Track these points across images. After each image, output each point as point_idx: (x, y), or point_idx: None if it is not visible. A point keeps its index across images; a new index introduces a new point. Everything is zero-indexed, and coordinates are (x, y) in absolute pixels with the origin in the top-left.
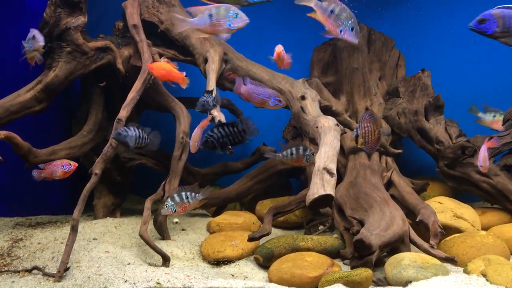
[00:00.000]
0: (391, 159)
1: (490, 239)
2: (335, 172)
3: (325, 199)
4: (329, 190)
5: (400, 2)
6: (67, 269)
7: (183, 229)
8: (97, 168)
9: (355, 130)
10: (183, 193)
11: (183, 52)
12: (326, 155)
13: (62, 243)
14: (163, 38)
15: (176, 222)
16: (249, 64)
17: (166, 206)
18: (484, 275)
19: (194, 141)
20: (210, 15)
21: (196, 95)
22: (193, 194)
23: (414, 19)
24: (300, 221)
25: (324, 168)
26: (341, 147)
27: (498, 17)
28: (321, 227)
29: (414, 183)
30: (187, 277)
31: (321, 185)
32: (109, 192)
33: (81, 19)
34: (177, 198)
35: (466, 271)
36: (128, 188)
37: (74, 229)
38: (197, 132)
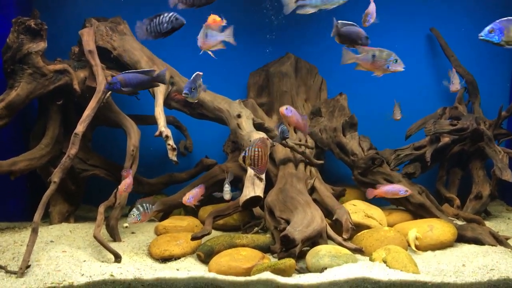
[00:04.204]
0: (315, 169)
1: (392, 233)
2: (263, 177)
3: (255, 200)
4: (259, 192)
5: (323, 36)
6: (28, 266)
7: (132, 232)
8: (55, 177)
9: (244, 151)
10: (144, 204)
11: None
12: None
13: (21, 245)
14: (116, 62)
15: (126, 227)
16: None
17: (133, 215)
18: (385, 262)
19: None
20: (373, 56)
21: (145, 113)
22: (151, 205)
23: (334, 50)
24: (238, 224)
25: (255, 174)
26: (273, 159)
27: (505, 27)
28: (255, 228)
29: (334, 189)
30: (137, 270)
31: (252, 189)
32: (64, 200)
33: (42, 45)
34: (141, 208)
35: (371, 259)
36: (82, 196)
37: (34, 231)
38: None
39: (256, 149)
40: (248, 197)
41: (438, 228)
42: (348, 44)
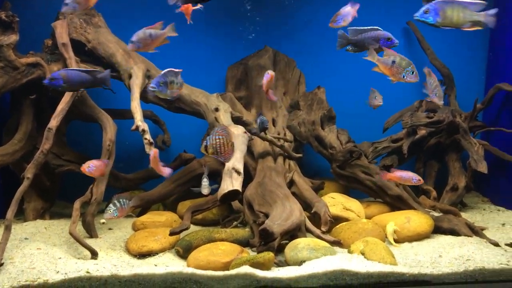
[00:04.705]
0: (294, 162)
1: (370, 225)
2: (242, 171)
3: (234, 194)
4: (237, 186)
5: (302, 28)
6: (1, 264)
7: (109, 228)
8: (29, 173)
9: (205, 141)
10: (121, 200)
11: (109, 68)
12: (235, 157)
13: None
14: (91, 55)
15: (103, 223)
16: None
17: (109, 211)
18: (363, 254)
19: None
20: (394, 61)
21: (121, 107)
22: (128, 201)
23: (313, 44)
24: (217, 218)
25: (233, 168)
26: (252, 153)
27: (441, 8)
28: (235, 222)
29: (313, 182)
30: (114, 267)
31: (230, 182)
32: (38, 197)
33: (13, 37)
34: (117, 204)
35: (349, 251)
36: (57, 193)
37: (8, 228)
38: None
39: (218, 137)
40: (226, 191)
41: (415, 219)
42: (369, 52)
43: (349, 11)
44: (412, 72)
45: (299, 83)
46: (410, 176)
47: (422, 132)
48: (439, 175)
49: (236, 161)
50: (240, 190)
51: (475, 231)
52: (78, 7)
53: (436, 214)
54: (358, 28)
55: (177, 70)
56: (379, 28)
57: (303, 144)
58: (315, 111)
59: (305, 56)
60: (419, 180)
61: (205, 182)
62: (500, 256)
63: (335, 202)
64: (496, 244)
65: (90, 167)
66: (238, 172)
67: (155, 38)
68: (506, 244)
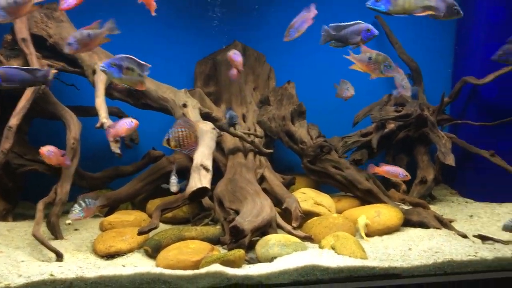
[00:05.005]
0: (264, 158)
1: (340, 220)
2: (210, 168)
3: (202, 191)
4: (205, 183)
5: (272, 23)
6: None
7: (76, 229)
8: None
9: (167, 134)
10: (87, 200)
11: (72, 64)
12: (203, 154)
13: None
14: (53, 51)
15: (69, 224)
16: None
17: (75, 211)
18: (334, 248)
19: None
20: (370, 58)
21: (85, 104)
22: (94, 201)
23: (282, 38)
24: (187, 216)
25: (201, 165)
26: (222, 149)
27: None
28: (205, 220)
29: (284, 178)
30: (80, 269)
31: (198, 179)
32: (0, 198)
33: None
34: (83, 204)
35: (320, 246)
36: (20, 193)
37: None
38: None
39: (180, 129)
40: (194, 188)
41: (385, 213)
42: (354, 46)
43: (304, 20)
44: (390, 66)
45: (269, 78)
46: (397, 171)
47: (391, 126)
48: (408, 169)
49: (205, 158)
50: (209, 187)
51: (444, 224)
52: (7, 16)
53: (405, 207)
54: (340, 24)
55: (144, 63)
56: (361, 22)
57: (273, 140)
58: (285, 106)
59: (275, 50)
60: (406, 175)
61: (173, 179)
62: (468, 248)
63: (306, 197)
64: (464, 236)
65: (50, 151)
66: (207, 169)
67: (94, 38)
68: (474, 236)
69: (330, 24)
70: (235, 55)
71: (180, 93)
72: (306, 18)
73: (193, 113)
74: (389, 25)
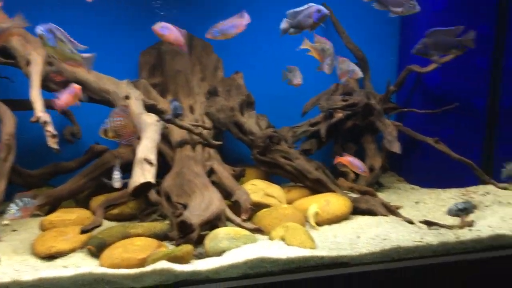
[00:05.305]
0: (213, 150)
1: (290, 210)
2: (154, 161)
3: (146, 186)
4: (149, 178)
5: (221, 12)
6: None
7: (14, 230)
8: None
9: (103, 124)
10: (24, 199)
11: (4, 55)
12: (146, 147)
13: None
14: None
15: (6, 224)
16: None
17: (11, 211)
18: (283, 239)
19: None
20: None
21: (20, 97)
22: (32, 199)
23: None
24: (134, 212)
25: (145, 159)
26: (170, 142)
27: None
28: (153, 215)
29: (234, 170)
30: (16, 272)
31: (141, 174)
32: None
33: None
34: (20, 203)
35: (270, 238)
36: None
37: None
38: None
39: (118, 119)
40: (137, 184)
41: (334, 202)
42: (309, 30)
43: (233, 25)
44: (353, 70)
45: (217, 69)
46: (358, 165)
47: (339, 115)
48: (356, 157)
49: (148, 151)
50: (153, 181)
51: (391, 210)
52: None
53: (354, 195)
54: (296, 10)
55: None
56: (312, 4)
57: (223, 131)
58: (234, 97)
59: (222, 40)
60: (365, 172)
61: (116, 174)
62: (414, 234)
63: (256, 188)
64: (410, 222)
65: None
66: (150, 163)
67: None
68: (420, 222)
69: (287, 12)
70: (162, 29)
71: (122, 84)
72: (236, 23)
73: (136, 105)
74: (335, 14)
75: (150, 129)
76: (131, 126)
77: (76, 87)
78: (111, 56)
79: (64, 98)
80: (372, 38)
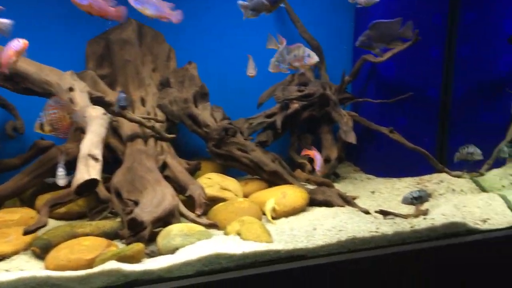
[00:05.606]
0: (167, 144)
1: (246, 204)
2: (99, 157)
3: (91, 183)
4: (94, 174)
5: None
6: None
7: None
8: None
9: (38, 119)
10: None
11: None
12: (91, 142)
13: None
14: None
15: None
16: None
17: None
18: (239, 234)
19: None
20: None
21: None
22: None
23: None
24: (84, 210)
25: (89, 155)
26: (119, 136)
27: None
28: (104, 213)
29: (189, 163)
30: None
31: (86, 171)
32: None
33: None
34: None
35: (225, 233)
36: None
37: None
38: None
39: (52, 111)
40: (81, 181)
41: (290, 194)
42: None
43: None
44: (309, 55)
45: (169, 59)
46: (318, 163)
47: (295, 106)
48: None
49: (93, 146)
50: (99, 178)
51: (347, 201)
52: None
53: (311, 187)
54: None
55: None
56: None
57: (176, 124)
58: (187, 88)
59: (174, 29)
60: (319, 171)
61: (60, 172)
62: (370, 224)
63: (212, 182)
64: (366, 212)
65: None
66: (96, 159)
67: None
68: (376, 212)
69: None
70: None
71: (66, 75)
72: (161, 8)
73: (81, 98)
74: (289, 3)
75: (96, 122)
76: (68, 119)
77: (23, 42)
78: (56, 46)
79: (7, 54)
80: (326, 28)
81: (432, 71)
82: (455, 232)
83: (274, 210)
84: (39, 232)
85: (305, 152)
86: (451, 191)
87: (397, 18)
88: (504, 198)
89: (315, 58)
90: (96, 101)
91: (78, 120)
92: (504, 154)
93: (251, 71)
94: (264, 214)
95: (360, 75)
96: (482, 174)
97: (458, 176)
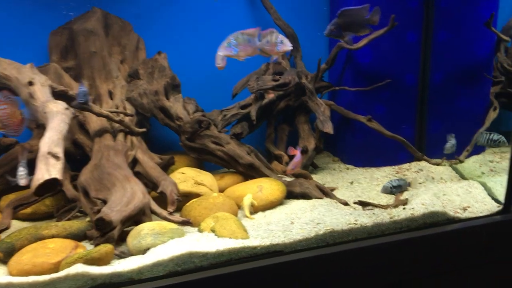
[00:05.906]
0: (137, 138)
1: (221, 199)
2: (61, 155)
3: (52, 183)
4: (55, 174)
5: None
6: None
7: None
8: None
9: None
10: None
11: None
12: (51, 139)
13: None
14: None
15: None
16: None
17: None
18: (213, 231)
19: None
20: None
21: None
22: None
23: (152, 5)
24: (51, 211)
25: (49, 153)
26: (87, 131)
27: None
28: (72, 213)
29: (162, 158)
30: None
31: (46, 170)
32: None
33: None
34: None
35: (199, 230)
36: None
37: None
38: None
39: (2, 107)
40: (41, 181)
41: (267, 187)
42: None
43: None
44: (282, 41)
45: (138, 49)
46: (298, 158)
47: (270, 96)
48: (290, 139)
49: (53, 144)
50: (60, 178)
51: (325, 193)
52: None
53: (288, 179)
54: None
55: None
56: None
57: (148, 117)
58: (157, 79)
59: (142, 19)
60: (292, 169)
61: (21, 171)
62: (349, 216)
63: (186, 177)
64: (345, 204)
65: None
66: (56, 157)
67: None
68: (355, 203)
69: None
70: None
71: (25, 69)
72: None
73: (42, 92)
74: None
75: (57, 118)
76: (19, 114)
77: None
78: (15, 38)
79: None
80: (301, 14)
81: (409, 57)
82: (435, 221)
83: (252, 205)
84: (2, 235)
85: (292, 152)
86: (431, 179)
87: (364, 4)
88: (484, 185)
89: (288, 45)
90: (60, 95)
91: (37, 116)
92: (482, 143)
93: (219, 61)
94: (240, 208)
95: (336, 63)
96: (461, 161)
97: (438, 164)
